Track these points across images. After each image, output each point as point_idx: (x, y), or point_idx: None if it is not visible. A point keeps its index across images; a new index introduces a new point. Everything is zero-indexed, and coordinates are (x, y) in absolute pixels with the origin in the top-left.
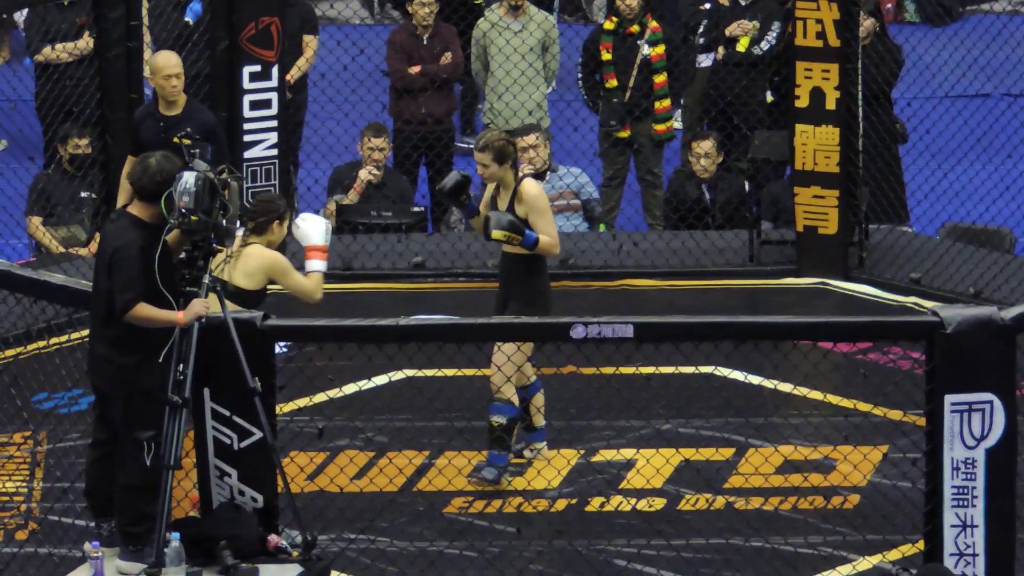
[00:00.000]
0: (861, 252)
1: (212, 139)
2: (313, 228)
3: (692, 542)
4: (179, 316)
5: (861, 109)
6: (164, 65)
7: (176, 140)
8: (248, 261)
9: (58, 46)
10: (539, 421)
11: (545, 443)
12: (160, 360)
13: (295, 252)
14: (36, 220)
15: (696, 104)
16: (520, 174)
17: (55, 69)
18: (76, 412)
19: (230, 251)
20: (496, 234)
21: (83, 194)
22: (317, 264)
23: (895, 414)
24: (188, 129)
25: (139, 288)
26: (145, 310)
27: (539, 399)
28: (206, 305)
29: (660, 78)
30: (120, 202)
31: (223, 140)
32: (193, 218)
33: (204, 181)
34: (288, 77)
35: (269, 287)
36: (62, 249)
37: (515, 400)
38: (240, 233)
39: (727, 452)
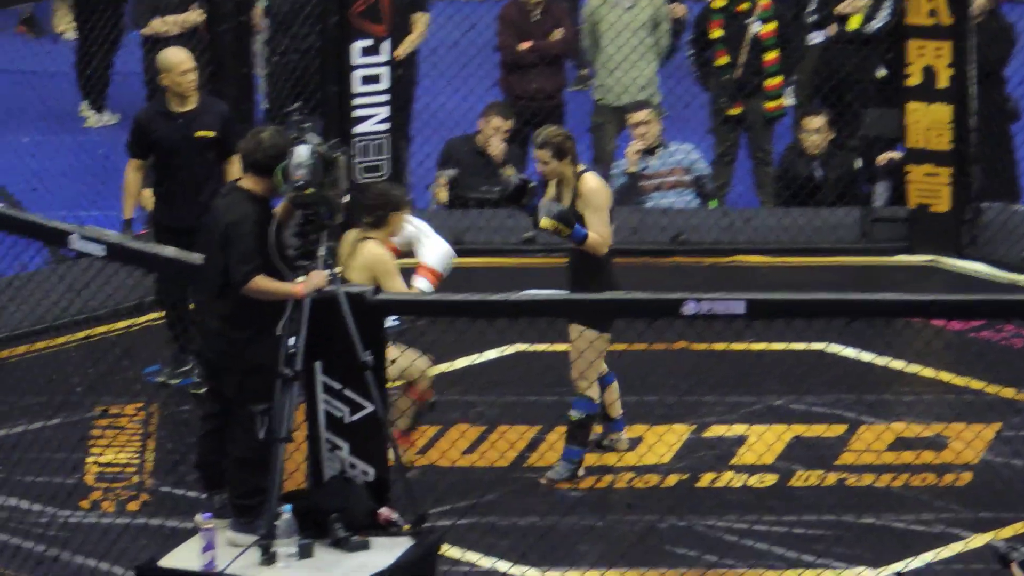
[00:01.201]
0: (973, 230)
1: (229, 129)
2: (437, 252)
3: (803, 518)
4: (298, 288)
5: (974, 87)
6: (180, 61)
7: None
8: (361, 256)
9: (167, 18)
10: (616, 411)
11: (624, 431)
12: (272, 333)
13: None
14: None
15: (808, 81)
16: (579, 169)
17: (164, 43)
18: (188, 384)
19: (353, 245)
20: (544, 222)
21: None
22: (424, 284)
23: (1008, 392)
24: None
25: (257, 261)
26: (263, 282)
27: (613, 391)
28: (325, 277)
29: (771, 55)
30: (125, 212)
31: (238, 129)
32: (308, 191)
33: (318, 155)
34: (396, 54)
35: None
36: None
37: (595, 396)
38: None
39: (839, 429)
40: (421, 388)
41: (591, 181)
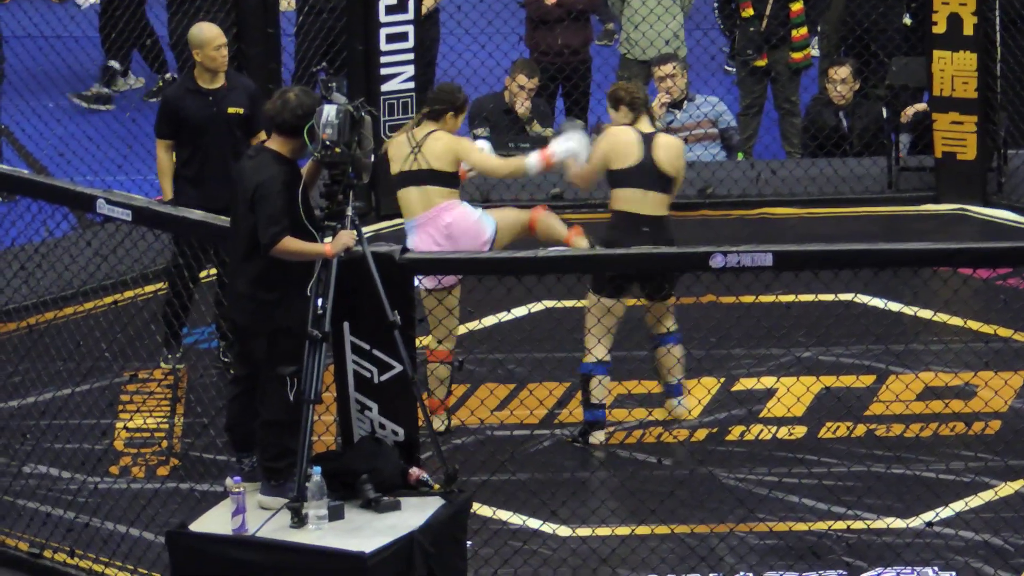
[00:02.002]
0: (1000, 177)
1: (256, 105)
2: (563, 143)
3: (833, 470)
4: (327, 248)
5: (999, 34)
6: (215, 36)
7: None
8: (435, 145)
9: None
10: (675, 376)
11: (681, 398)
12: (301, 295)
13: None
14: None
15: (833, 31)
16: (638, 127)
17: (189, 4)
18: (216, 347)
19: (414, 144)
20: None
21: None
22: (534, 158)
23: None
24: (323, 64)
25: (285, 222)
26: (292, 243)
27: (676, 351)
28: (354, 236)
29: (796, 6)
30: (166, 193)
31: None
32: (337, 150)
33: (345, 114)
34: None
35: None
36: None
37: (586, 357)
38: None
39: (868, 379)
40: (447, 349)
41: (609, 128)
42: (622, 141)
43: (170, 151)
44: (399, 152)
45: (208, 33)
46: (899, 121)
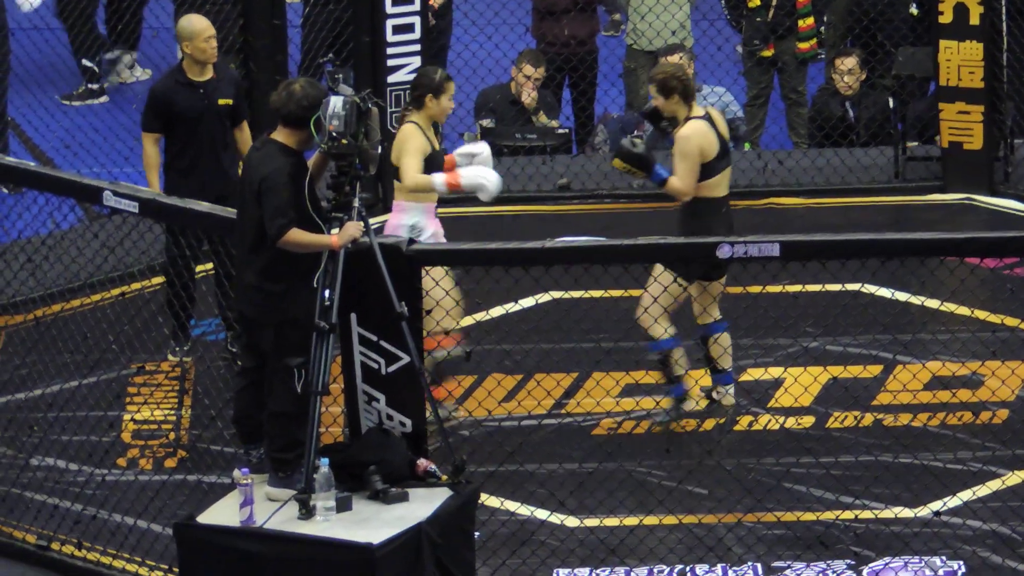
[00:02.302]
0: (1007, 167)
1: (241, 95)
2: (476, 171)
3: (841, 460)
4: (333, 239)
5: (1005, 24)
6: (204, 28)
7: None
8: (396, 138)
9: None
10: (724, 363)
11: (732, 386)
12: (308, 286)
13: None
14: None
15: (840, 21)
16: (692, 113)
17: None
18: (224, 339)
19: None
20: (615, 163)
21: None
22: (439, 179)
23: None
24: (330, 55)
25: (291, 214)
26: (298, 235)
27: (724, 339)
28: (360, 228)
29: None
30: (153, 187)
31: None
32: (343, 141)
33: (352, 105)
34: (432, 1)
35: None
36: None
37: (659, 334)
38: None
39: (875, 369)
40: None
41: (685, 128)
42: (704, 133)
43: (158, 145)
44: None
45: (197, 25)
46: (905, 111)
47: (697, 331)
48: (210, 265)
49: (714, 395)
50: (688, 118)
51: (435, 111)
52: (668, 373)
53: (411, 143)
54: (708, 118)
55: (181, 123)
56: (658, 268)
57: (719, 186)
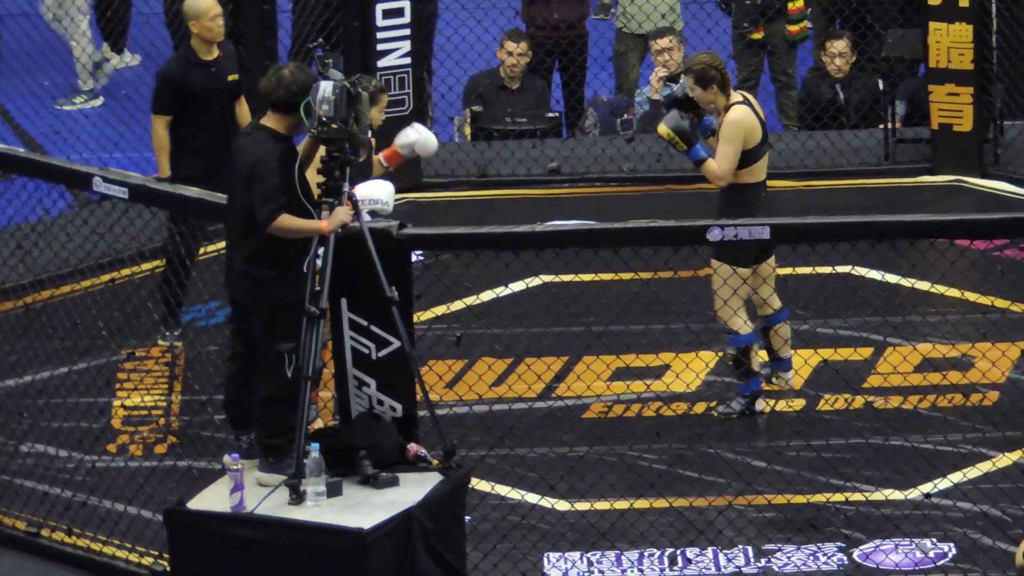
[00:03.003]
0: (996, 149)
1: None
2: (374, 185)
3: (832, 442)
4: (323, 224)
5: (994, 5)
6: (211, 6)
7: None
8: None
9: None
10: (785, 352)
11: (791, 372)
12: (299, 272)
13: None
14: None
15: (829, 4)
16: (733, 100)
17: None
18: (214, 325)
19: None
20: (661, 129)
21: None
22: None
23: None
24: (320, 40)
25: (281, 199)
26: (288, 220)
27: (784, 330)
28: (350, 212)
29: None
30: (164, 170)
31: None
32: (334, 126)
33: (342, 90)
34: None
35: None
36: None
37: (739, 327)
38: None
39: (865, 352)
40: None
41: (734, 112)
42: (749, 118)
43: (168, 127)
44: None
45: (204, 4)
46: (895, 93)
47: (758, 322)
48: (210, 248)
49: (774, 380)
50: (732, 104)
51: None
52: (748, 367)
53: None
54: (748, 102)
55: (195, 103)
56: (714, 261)
57: (760, 171)
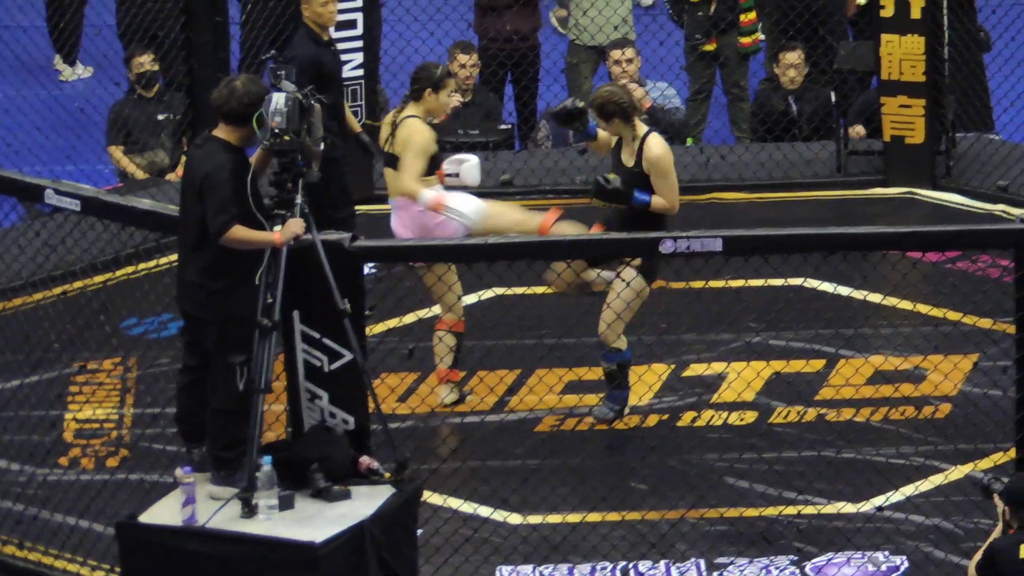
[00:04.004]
0: (948, 161)
1: None
2: (464, 210)
3: (784, 455)
4: (275, 236)
5: (946, 17)
6: None
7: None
8: (402, 132)
9: None
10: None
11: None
12: (251, 284)
13: None
14: (117, 150)
15: (783, 17)
16: (641, 132)
17: None
18: (166, 337)
19: (397, 119)
20: (594, 202)
21: (160, 117)
22: (427, 196)
23: (985, 322)
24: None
25: (233, 210)
26: (241, 232)
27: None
28: (302, 225)
29: None
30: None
31: None
32: (286, 137)
33: (294, 101)
34: None
35: None
36: (146, 176)
37: (623, 346)
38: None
39: (818, 364)
40: (455, 317)
41: (656, 145)
42: (667, 146)
43: None
44: (383, 133)
45: None
46: (847, 106)
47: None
48: (152, 263)
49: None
50: (644, 136)
51: (434, 106)
52: (624, 379)
53: (418, 140)
54: (655, 129)
55: (331, 84)
56: (628, 273)
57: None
